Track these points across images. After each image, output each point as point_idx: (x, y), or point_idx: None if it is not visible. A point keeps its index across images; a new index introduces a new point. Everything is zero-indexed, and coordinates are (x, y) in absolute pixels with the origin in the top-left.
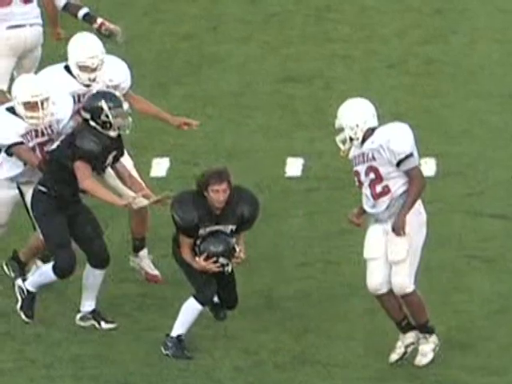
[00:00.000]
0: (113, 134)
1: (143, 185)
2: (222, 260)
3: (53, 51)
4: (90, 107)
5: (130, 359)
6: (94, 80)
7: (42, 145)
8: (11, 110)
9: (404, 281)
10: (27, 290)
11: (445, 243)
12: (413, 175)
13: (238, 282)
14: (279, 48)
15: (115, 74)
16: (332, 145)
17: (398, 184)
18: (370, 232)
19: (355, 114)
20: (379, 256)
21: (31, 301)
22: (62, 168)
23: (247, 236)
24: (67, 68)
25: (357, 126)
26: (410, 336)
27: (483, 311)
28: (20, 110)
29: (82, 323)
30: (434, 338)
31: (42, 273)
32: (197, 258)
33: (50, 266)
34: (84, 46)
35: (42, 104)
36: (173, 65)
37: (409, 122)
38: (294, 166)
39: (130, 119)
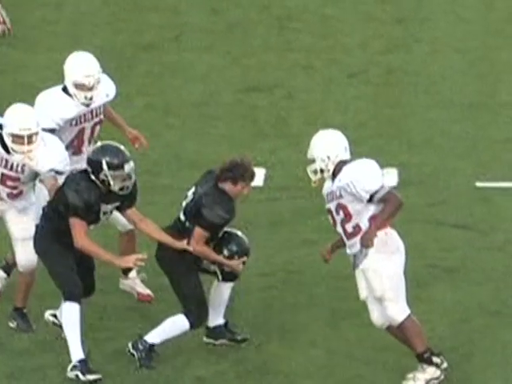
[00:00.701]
0: (113, 189)
1: (157, 229)
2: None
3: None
4: (91, 161)
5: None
6: (91, 99)
7: (5, 177)
8: None
9: (392, 312)
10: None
11: (406, 253)
12: (387, 198)
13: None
14: (241, 58)
15: (110, 88)
16: (294, 154)
17: (368, 223)
18: (356, 274)
19: (327, 145)
20: (367, 295)
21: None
22: (60, 217)
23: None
24: (65, 90)
25: (328, 158)
26: (430, 371)
27: (445, 321)
28: (6, 140)
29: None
30: (431, 370)
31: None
32: (232, 261)
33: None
34: (81, 65)
35: (30, 138)
36: (134, 74)
37: (370, 132)
38: (256, 176)
39: (134, 178)
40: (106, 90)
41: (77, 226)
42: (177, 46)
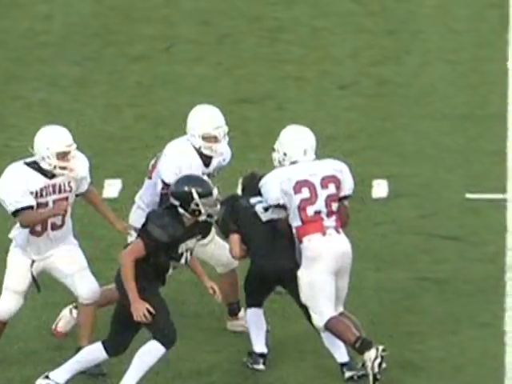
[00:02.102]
0: (201, 219)
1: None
2: None
3: None
4: (178, 193)
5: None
6: (215, 152)
7: (57, 204)
8: (32, 165)
9: (313, 319)
10: None
11: (397, 265)
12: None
13: (191, 302)
14: (232, 69)
15: (227, 154)
16: None
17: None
18: None
19: (281, 139)
20: None
21: None
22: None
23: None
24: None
25: (277, 150)
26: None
27: (435, 332)
28: (52, 161)
29: None
30: (370, 353)
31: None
32: None
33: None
34: (211, 117)
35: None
36: (125, 86)
37: (361, 143)
38: None
39: (219, 206)
40: (223, 156)
41: (135, 247)
42: (167, 57)
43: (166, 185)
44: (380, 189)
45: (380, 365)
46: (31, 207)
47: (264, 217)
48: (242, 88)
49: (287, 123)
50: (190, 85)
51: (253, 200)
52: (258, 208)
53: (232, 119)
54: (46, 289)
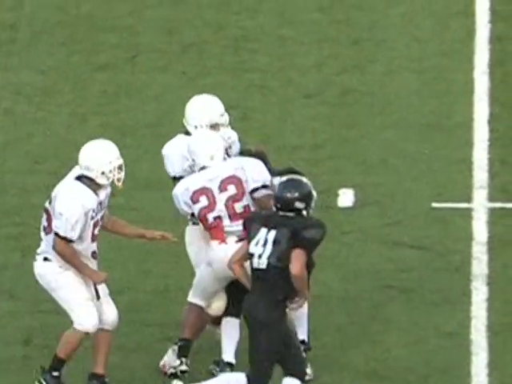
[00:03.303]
0: None
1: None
2: None
3: None
4: (305, 196)
5: None
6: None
7: (97, 225)
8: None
9: None
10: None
11: (362, 274)
12: None
13: (156, 311)
14: (196, 78)
15: (231, 132)
16: None
17: None
18: None
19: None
20: None
21: None
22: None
23: (166, 266)
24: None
25: (193, 161)
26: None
27: (401, 342)
28: (105, 177)
29: None
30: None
31: None
32: None
33: None
34: (213, 105)
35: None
36: (90, 94)
37: (326, 152)
38: None
39: None
40: (227, 132)
41: (301, 257)
42: (132, 66)
43: (176, 179)
44: (346, 198)
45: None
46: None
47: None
48: None
49: (252, 132)
50: (154, 94)
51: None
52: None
53: None
54: (10, 298)
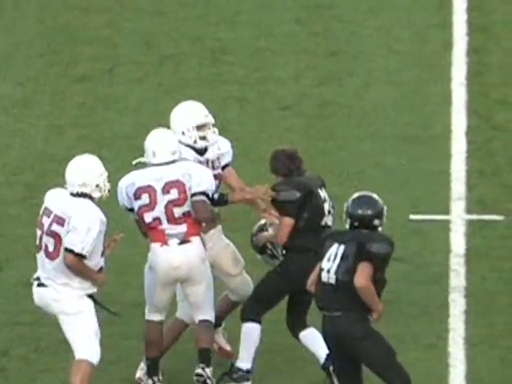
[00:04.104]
0: None
1: None
2: None
3: None
4: (380, 212)
5: None
6: (208, 140)
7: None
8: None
9: None
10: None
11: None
12: None
13: (134, 323)
14: (174, 90)
15: (222, 142)
16: (226, 187)
17: None
18: None
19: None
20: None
21: None
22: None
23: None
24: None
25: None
26: None
27: None
28: (102, 186)
29: None
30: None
31: None
32: None
33: None
34: (196, 108)
35: None
36: (68, 106)
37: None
38: None
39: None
40: (218, 144)
41: (365, 270)
42: (110, 78)
43: None
44: None
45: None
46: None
47: (326, 221)
48: None
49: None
50: (132, 106)
51: (322, 196)
52: (325, 209)
53: None
54: None
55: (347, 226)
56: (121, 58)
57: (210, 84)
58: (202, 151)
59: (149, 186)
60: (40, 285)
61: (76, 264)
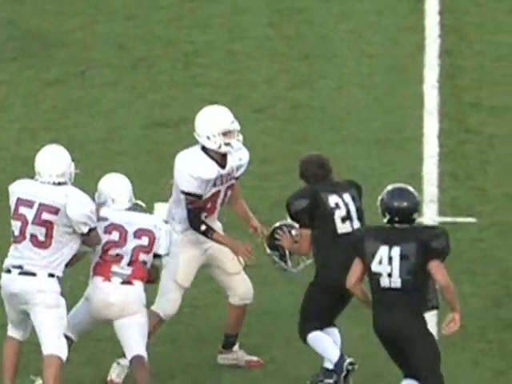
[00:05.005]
0: None
1: None
2: None
3: None
4: (418, 204)
5: None
6: (233, 147)
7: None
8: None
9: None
10: None
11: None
12: None
13: (106, 326)
14: (147, 93)
15: (243, 153)
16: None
17: None
18: None
19: None
20: None
21: None
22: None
23: None
24: (204, 150)
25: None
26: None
27: (351, 355)
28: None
29: None
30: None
31: None
32: None
33: None
34: (223, 113)
35: None
36: (41, 110)
37: (276, 167)
38: (161, 211)
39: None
40: (239, 154)
41: (441, 268)
42: (82, 81)
43: (188, 195)
44: None
45: None
46: None
47: (339, 228)
48: (157, 112)
49: None
50: (105, 109)
51: (331, 202)
52: (337, 216)
53: (147, 143)
54: None
55: (385, 221)
56: (94, 61)
57: (183, 87)
58: (223, 164)
59: (121, 226)
60: (24, 273)
61: (98, 238)
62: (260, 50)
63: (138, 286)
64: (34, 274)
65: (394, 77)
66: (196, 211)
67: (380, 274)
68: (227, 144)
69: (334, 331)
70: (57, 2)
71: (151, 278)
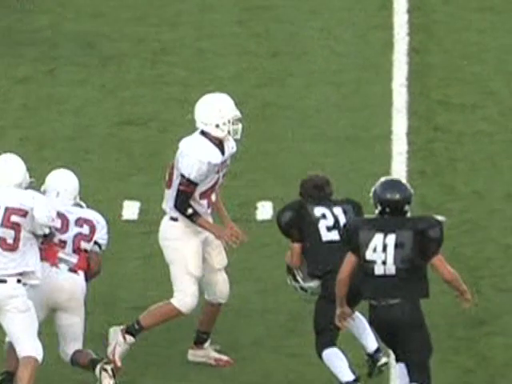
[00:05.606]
0: None
1: None
2: None
3: None
4: (410, 196)
5: None
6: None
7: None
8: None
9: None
10: None
11: (282, 286)
12: None
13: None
14: (115, 91)
15: (233, 143)
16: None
17: None
18: None
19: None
20: None
21: None
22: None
23: None
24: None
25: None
26: None
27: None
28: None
29: None
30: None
31: None
32: None
33: None
34: (228, 101)
35: None
36: (10, 108)
37: (245, 165)
38: (130, 210)
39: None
40: (231, 143)
41: (442, 261)
42: (51, 79)
43: (190, 182)
44: (264, 211)
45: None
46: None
47: (324, 236)
48: (125, 110)
49: (171, 145)
50: (74, 107)
51: (317, 213)
52: (321, 225)
53: (116, 141)
54: None
55: (377, 212)
56: (62, 59)
57: (152, 85)
58: (223, 151)
59: (63, 215)
60: None
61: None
62: (228, 48)
63: (82, 276)
64: (4, 281)
65: (363, 74)
66: (186, 194)
67: (374, 262)
68: (235, 130)
69: (359, 315)
70: (25, 0)
71: (90, 266)
